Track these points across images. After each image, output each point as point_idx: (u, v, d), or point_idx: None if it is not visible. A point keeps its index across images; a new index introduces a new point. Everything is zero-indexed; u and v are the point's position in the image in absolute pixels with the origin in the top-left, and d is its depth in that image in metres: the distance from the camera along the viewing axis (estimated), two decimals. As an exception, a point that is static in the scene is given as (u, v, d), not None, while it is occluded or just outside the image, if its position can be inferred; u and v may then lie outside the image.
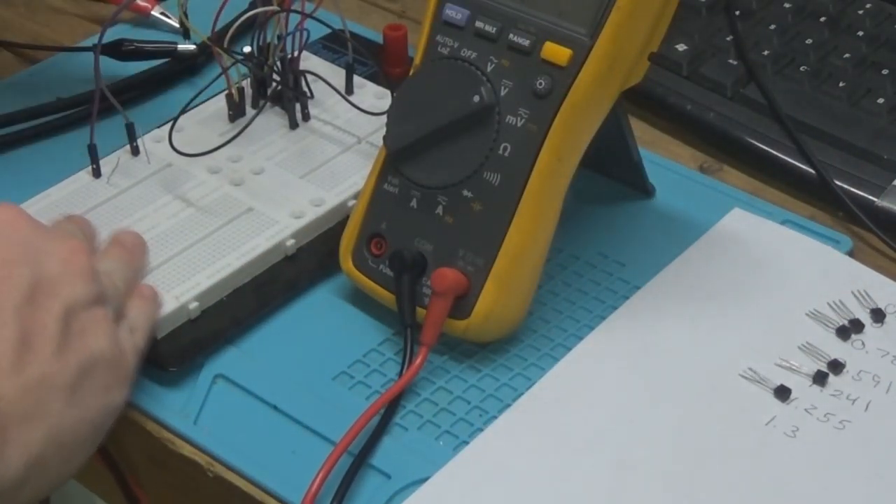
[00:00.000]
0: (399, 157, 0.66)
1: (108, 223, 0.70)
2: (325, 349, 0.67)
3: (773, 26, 0.86)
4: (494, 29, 0.65)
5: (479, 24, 0.65)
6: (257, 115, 0.77)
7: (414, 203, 0.66)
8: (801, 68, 0.82)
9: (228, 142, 0.75)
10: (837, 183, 0.76)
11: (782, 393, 0.64)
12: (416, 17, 0.90)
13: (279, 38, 0.76)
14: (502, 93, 0.64)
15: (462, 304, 0.64)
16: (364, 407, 0.62)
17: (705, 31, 0.86)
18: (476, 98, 0.64)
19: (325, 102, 0.79)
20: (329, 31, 0.80)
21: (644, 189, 0.75)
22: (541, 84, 0.63)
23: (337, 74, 0.80)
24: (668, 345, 0.67)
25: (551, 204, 0.65)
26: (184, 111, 0.75)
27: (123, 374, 0.60)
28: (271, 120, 0.78)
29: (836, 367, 0.65)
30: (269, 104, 0.78)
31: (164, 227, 0.71)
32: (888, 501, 0.60)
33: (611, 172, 0.76)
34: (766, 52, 0.83)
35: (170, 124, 0.75)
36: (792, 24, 0.86)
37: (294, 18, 0.75)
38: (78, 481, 0.76)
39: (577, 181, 0.66)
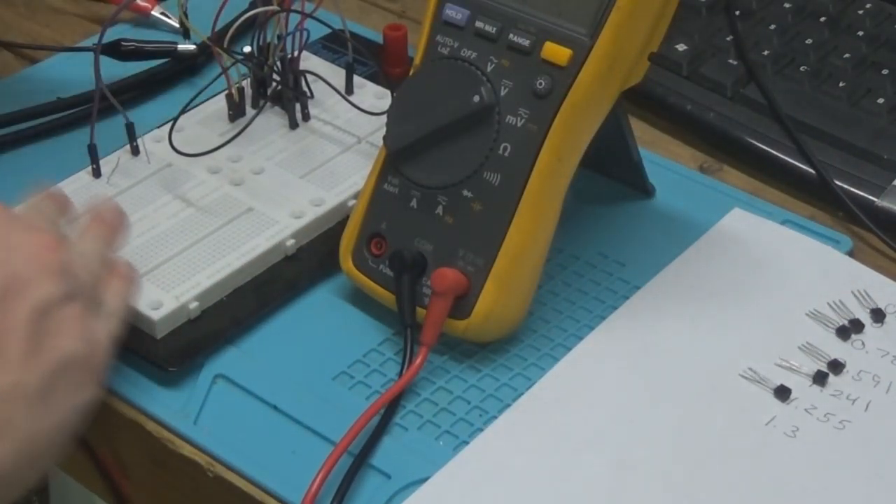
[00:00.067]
0: (399, 157, 0.66)
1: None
2: (325, 349, 0.67)
3: (773, 26, 0.86)
4: (494, 29, 0.65)
5: (479, 24, 0.65)
6: (257, 115, 0.77)
7: (414, 203, 0.66)
8: (801, 68, 0.82)
9: (228, 142, 0.75)
10: (837, 183, 0.76)
11: (782, 393, 0.64)
12: (416, 17, 0.90)
13: (279, 38, 0.76)
14: (502, 93, 0.64)
15: (462, 304, 0.64)
16: (364, 407, 0.62)
17: (705, 31, 0.86)
18: (476, 98, 0.64)
19: (325, 102, 0.79)
20: (329, 31, 0.80)
21: (644, 189, 0.75)
22: (541, 84, 0.63)
23: (337, 74, 0.80)
24: (668, 345, 0.67)
25: (551, 204, 0.65)
26: (184, 111, 0.75)
27: (95, 371, 0.59)
28: (271, 120, 0.78)
29: (836, 367, 0.65)
30: (269, 104, 0.78)
31: (164, 227, 0.71)
32: (888, 501, 0.60)
33: (611, 172, 0.76)
34: (766, 52, 0.83)
35: (170, 124, 0.75)
36: (792, 24, 0.86)
37: (294, 18, 0.75)
38: (77, 481, 0.76)
39: (577, 181, 0.66)
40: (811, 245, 0.72)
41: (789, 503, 0.60)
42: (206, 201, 0.72)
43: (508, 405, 0.64)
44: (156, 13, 0.89)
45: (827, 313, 0.68)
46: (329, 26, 0.78)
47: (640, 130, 0.80)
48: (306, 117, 0.78)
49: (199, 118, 0.78)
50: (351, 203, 0.72)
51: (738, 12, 0.87)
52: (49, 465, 0.57)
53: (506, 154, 0.64)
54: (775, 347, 0.66)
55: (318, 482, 0.59)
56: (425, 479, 0.60)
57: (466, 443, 0.62)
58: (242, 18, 0.77)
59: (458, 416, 0.63)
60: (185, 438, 0.63)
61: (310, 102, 0.78)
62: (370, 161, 0.69)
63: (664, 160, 0.78)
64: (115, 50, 0.82)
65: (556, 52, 0.63)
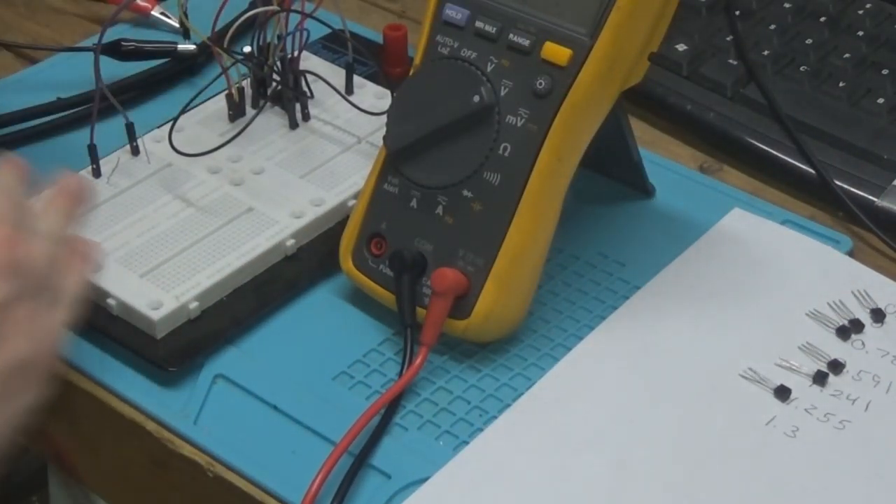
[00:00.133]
0: (399, 157, 0.66)
1: (108, 223, 0.71)
2: (325, 349, 0.67)
3: (773, 26, 0.86)
4: (494, 29, 0.65)
5: (479, 24, 0.65)
6: (257, 115, 0.77)
7: (414, 203, 0.66)
8: (801, 68, 0.82)
9: (228, 142, 0.75)
10: (837, 183, 0.76)
11: (782, 393, 0.64)
12: (416, 17, 0.90)
13: (279, 38, 0.76)
14: (502, 93, 0.64)
15: (462, 304, 0.64)
16: (364, 407, 0.62)
17: (705, 31, 0.86)
18: (476, 98, 0.64)
19: (325, 102, 0.79)
20: (329, 31, 0.80)
21: (644, 189, 0.75)
22: (541, 84, 0.63)
23: (337, 74, 0.80)
24: (668, 345, 0.67)
25: (551, 204, 0.65)
26: (184, 111, 0.75)
27: (43, 371, 0.58)
28: (271, 120, 0.78)
29: (836, 367, 0.65)
30: (269, 104, 0.78)
31: (164, 227, 0.71)
32: (888, 501, 0.60)
33: (611, 172, 0.76)
34: (766, 52, 0.83)
35: (170, 124, 0.75)
36: (792, 24, 0.86)
37: (294, 18, 0.75)
38: (77, 480, 0.76)
39: (577, 181, 0.66)
40: (811, 245, 0.72)
41: (789, 503, 0.60)
42: (206, 201, 0.72)
43: (508, 405, 0.64)
44: (156, 13, 0.89)
45: (827, 313, 0.68)
46: (329, 26, 0.78)
47: (640, 130, 0.80)
48: (306, 117, 0.78)
49: (199, 118, 0.78)
50: (351, 203, 0.72)
51: (738, 12, 0.87)
52: None
53: (506, 154, 0.64)
54: (775, 347, 0.66)
55: (318, 482, 0.59)
56: (425, 479, 0.60)
57: (466, 443, 0.62)
58: (242, 18, 0.77)
59: (458, 416, 0.63)
60: (185, 438, 0.63)
61: (310, 102, 0.78)
62: (370, 161, 0.69)
63: (664, 160, 0.78)
64: (115, 50, 0.82)
65: (556, 52, 0.63)
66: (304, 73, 0.78)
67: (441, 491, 0.60)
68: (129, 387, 0.65)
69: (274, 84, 0.78)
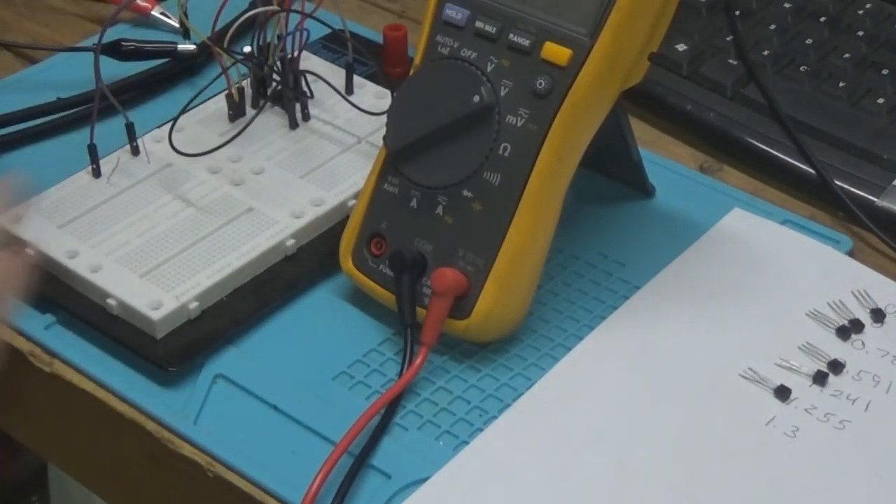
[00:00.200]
0: (399, 157, 0.66)
1: (108, 223, 0.71)
2: (325, 349, 0.67)
3: (773, 26, 0.86)
4: (494, 29, 0.65)
5: (479, 24, 0.65)
6: (257, 115, 0.77)
7: (414, 203, 0.66)
8: (801, 68, 0.82)
9: (228, 142, 0.75)
10: (837, 183, 0.76)
11: (782, 393, 0.64)
12: (416, 17, 0.90)
13: (279, 38, 0.76)
14: (502, 93, 0.64)
15: (462, 304, 0.64)
16: (364, 407, 0.62)
17: (705, 31, 0.86)
18: (476, 98, 0.64)
19: (325, 102, 0.79)
20: (329, 31, 0.80)
21: (644, 189, 0.75)
22: (541, 84, 0.63)
23: (337, 74, 0.80)
24: (668, 345, 0.67)
25: (551, 204, 0.65)
26: (184, 111, 0.75)
27: None
28: (271, 120, 0.78)
29: (836, 367, 0.65)
30: (269, 104, 0.78)
31: (164, 227, 0.71)
32: (888, 501, 0.60)
33: (611, 172, 0.76)
34: (766, 52, 0.83)
35: (170, 124, 0.75)
36: (792, 24, 0.86)
37: (294, 18, 0.75)
38: (77, 480, 0.76)
39: (577, 181, 0.66)
40: (811, 245, 0.72)
41: (789, 503, 0.60)
42: (206, 201, 0.72)
43: (508, 405, 0.64)
44: (156, 13, 0.89)
45: (827, 313, 0.68)
46: (329, 26, 0.78)
47: (640, 130, 0.80)
48: (306, 117, 0.78)
49: (199, 118, 0.78)
50: (351, 203, 0.72)
51: (738, 12, 0.87)
52: None
53: (506, 154, 0.64)
54: (775, 347, 0.66)
55: (318, 482, 0.59)
56: (425, 479, 0.60)
57: (466, 443, 0.62)
58: (242, 18, 0.77)
59: (458, 416, 0.63)
60: (185, 438, 0.63)
61: (310, 102, 0.78)
62: (370, 161, 0.69)
63: (664, 160, 0.78)
64: (115, 50, 0.82)
65: (556, 52, 0.63)
66: (304, 73, 0.78)
67: (441, 491, 0.60)
68: (129, 387, 0.65)
69: (274, 84, 0.78)
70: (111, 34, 0.78)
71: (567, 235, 0.70)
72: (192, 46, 0.83)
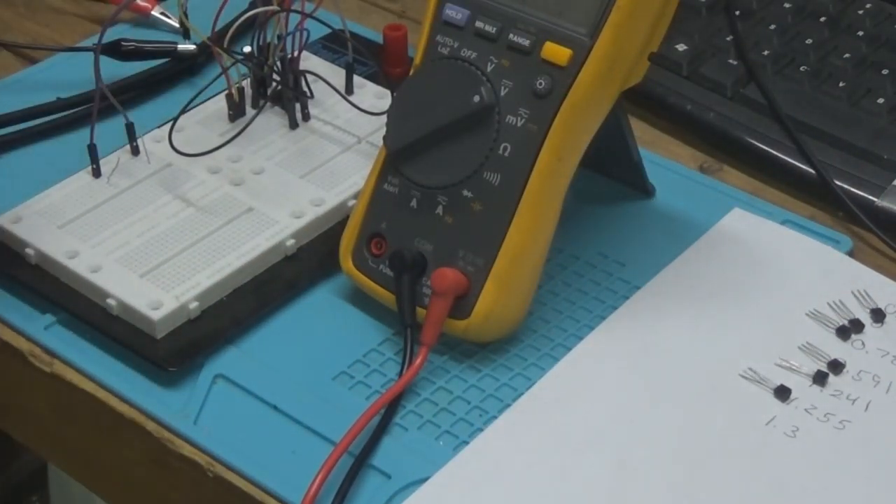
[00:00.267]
0: (399, 157, 0.66)
1: (108, 223, 0.71)
2: (325, 349, 0.67)
3: (773, 26, 0.86)
4: (494, 29, 0.65)
5: (479, 24, 0.65)
6: (257, 115, 0.77)
7: (414, 203, 0.66)
8: (801, 68, 0.82)
9: (228, 142, 0.75)
10: (837, 183, 0.76)
11: (782, 393, 0.64)
12: (416, 17, 0.90)
13: (279, 38, 0.76)
14: (502, 93, 0.64)
15: (462, 304, 0.64)
16: (364, 407, 0.62)
17: (705, 31, 0.86)
18: (476, 98, 0.64)
19: (325, 102, 0.79)
20: (329, 31, 0.80)
21: (644, 189, 0.75)
22: (541, 84, 0.63)
23: (337, 74, 0.80)
24: (668, 345, 0.67)
25: (551, 204, 0.65)
26: (184, 111, 0.75)
27: None
28: (271, 120, 0.78)
29: (836, 367, 0.65)
30: (269, 104, 0.78)
31: (164, 227, 0.71)
32: (888, 501, 0.60)
33: (611, 172, 0.76)
34: (766, 52, 0.83)
35: (170, 124, 0.75)
36: (792, 24, 0.86)
37: (294, 18, 0.75)
38: (77, 480, 0.76)
39: (577, 181, 0.66)
40: (811, 245, 0.72)
41: (789, 503, 0.60)
42: (206, 201, 0.72)
43: (508, 405, 0.64)
44: (156, 13, 0.89)
45: (827, 313, 0.68)
46: (329, 26, 0.78)
47: (640, 130, 0.80)
48: (306, 117, 0.78)
49: (199, 118, 0.78)
50: (351, 203, 0.72)
51: (738, 12, 0.87)
52: None
53: (506, 154, 0.64)
54: (775, 347, 0.66)
55: (318, 482, 0.59)
56: (425, 479, 0.60)
57: (466, 443, 0.62)
58: (242, 18, 0.77)
59: (458, 416, 0.63)
60: (185, 438, 0.63)
61: (310, 102, 0.78)
62: (370, 161, 0.69)
63: (664, 160, 0.78)
64: (115, 50, 0.82)
65: (556, 52, 0.63)
66: (304, 73, 0.78)
67: (441, 491, 0.60)
68: (129, 387, 0.65)
69: (274, 84, 0.78)
70: (111, 34, 0.78)
71: (567, 235, 0.70)
72: (192, 46, 0.83)
